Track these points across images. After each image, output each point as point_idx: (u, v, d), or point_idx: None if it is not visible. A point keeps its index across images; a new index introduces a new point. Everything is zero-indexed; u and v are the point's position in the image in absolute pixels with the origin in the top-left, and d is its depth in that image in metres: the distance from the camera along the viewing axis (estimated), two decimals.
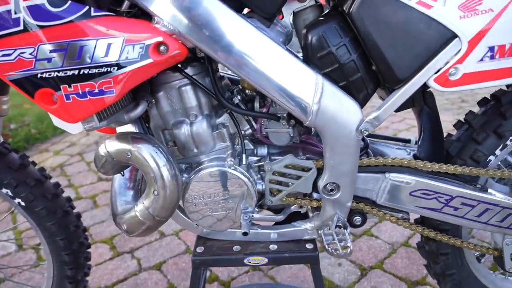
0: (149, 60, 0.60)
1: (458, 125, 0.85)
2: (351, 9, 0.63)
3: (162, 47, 0.60)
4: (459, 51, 0.63)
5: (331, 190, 0.73)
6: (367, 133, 0.68)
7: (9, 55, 0.54)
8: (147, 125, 0.77)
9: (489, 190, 0.76)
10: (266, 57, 0.63)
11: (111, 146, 0.68)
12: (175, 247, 1.48)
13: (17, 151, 0.88)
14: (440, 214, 0.75)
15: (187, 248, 1.48)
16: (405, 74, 0.65)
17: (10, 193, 0.83)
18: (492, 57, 0.63)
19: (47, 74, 0.56)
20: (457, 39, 0.62)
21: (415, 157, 0.85)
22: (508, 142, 0.77)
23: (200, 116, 0.73)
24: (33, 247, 1.51)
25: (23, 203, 0.85)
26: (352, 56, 0.65)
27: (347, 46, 0.65)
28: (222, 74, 0.83)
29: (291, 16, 0.72)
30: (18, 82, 0.57)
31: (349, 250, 0.72)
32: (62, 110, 0.59)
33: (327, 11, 0.71)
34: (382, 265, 1.34)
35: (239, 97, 0.73)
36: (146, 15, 0.62)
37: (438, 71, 0.64)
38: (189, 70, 0.70)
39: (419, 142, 0.85)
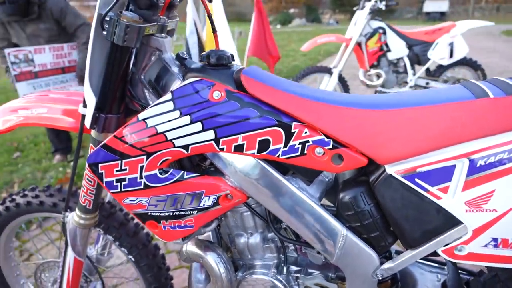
0: (219, 206, 0.85)
1: (488, 267, 0.92)
2: (375, 184, 0.79)
3: (229, 196, 0.85)
4: (465, 234, 0.74)
5: None
6: (381, 278, 0.83)
7: (133, 200, 0.86)
8: (218, 227, 1.03)
9: None
10: (302, 212, 0.83)
11: (190, 249, 0.96)
12: None
13: (133, 219, 1.24)
14: None
15: None
16: (416, 243, 0.78)
17: (126, 252, 1.19)
18: (496, 246, 0.72)
19: (154, 213, 0.86)
20: (463, 225, 0.73)
21: (444, 284, 0.95)
22: None
23: (255, 233, 0.96)
24: None
25: (133, 259, 1.20)
26: (373, 219, 0.81)
27: (369, 211, 0.81)
28: None
29: None
30: (137, 214, 0.88)
31: None
32: (161, 234, 0.89)
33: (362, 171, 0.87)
34: None
35: None
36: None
37: (447, 244, 0.76)
38: (249, 200, 0.94)
39: (448, 273, 0.95)
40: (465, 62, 3.82)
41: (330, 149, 0.77)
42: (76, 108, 1.02)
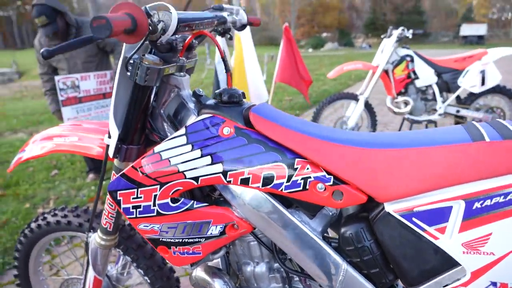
0: (225, 235, 0.90)
1: None
2: (374, 221, 0.81)
3: (235, 226, 0.90)
4: (463, 276, 0.74)
5: None
6: None
7: (147, 226, 0.92)
8: (227, 254, 1.08)
9: None
10: (303, 245, 0.86)
11: (199, 274, 1.01)
12: None
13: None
14: None
15: None
16: (415, 282, 0.79)
17: (142, 273, 1.26)
18: None
19: (165, 239, 0.92)
20: (461, 267, 0.73)
21: None
22: None
23: (261, 262, 1.00)
24: None
25: (149, 281, 1.26)
26: (373, 255, 0.82)
27: (369, 247, 0.82)
28: None
29: None
30: (149, 239, 0.94)
31: None
32: (171, 259, 0.94)
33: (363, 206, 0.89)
34: None
35: None
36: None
37: (446, 285, 0.76)
38: (256, 230, 0.98)
39: None
40: (498, 90, 3.72)
41: (331, 185, 0.81)
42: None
